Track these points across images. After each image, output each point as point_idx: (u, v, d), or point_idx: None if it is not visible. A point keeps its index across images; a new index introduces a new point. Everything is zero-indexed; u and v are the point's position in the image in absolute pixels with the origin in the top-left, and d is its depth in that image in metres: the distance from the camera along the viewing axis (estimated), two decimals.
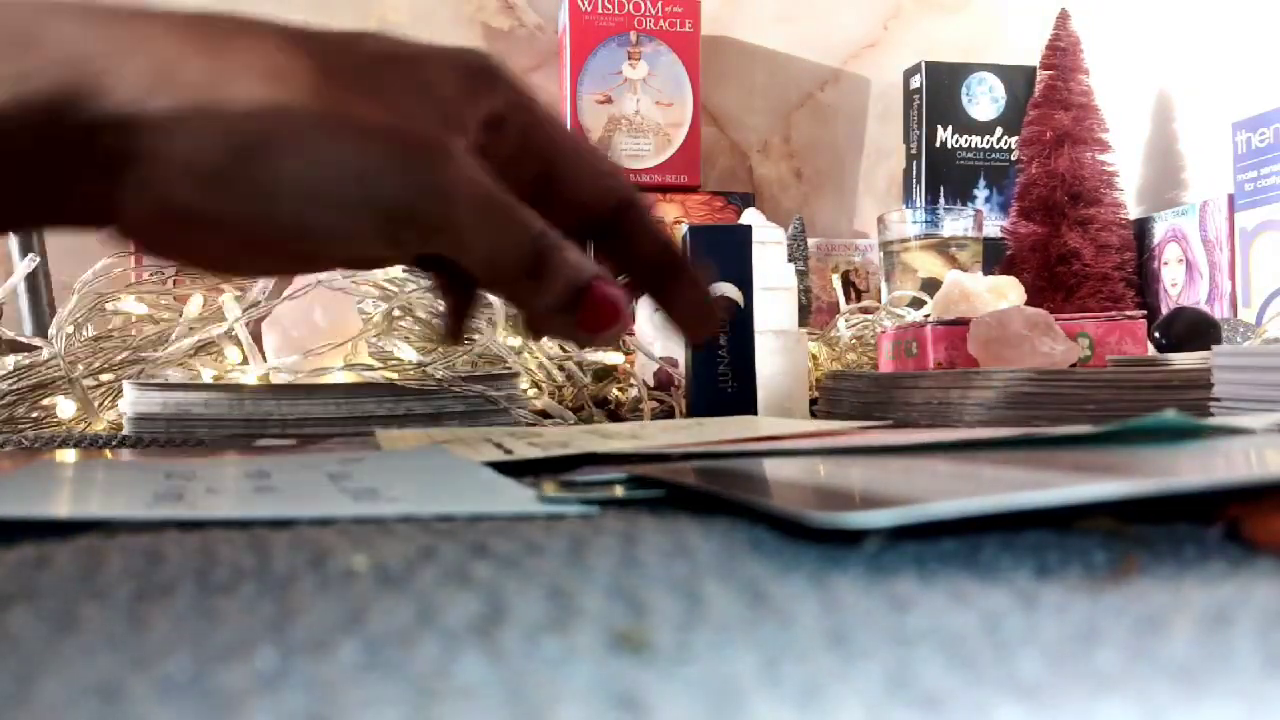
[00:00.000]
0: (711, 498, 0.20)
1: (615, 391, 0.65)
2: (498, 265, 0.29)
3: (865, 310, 0.89)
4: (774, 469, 0.23)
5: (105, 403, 0.57)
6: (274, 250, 0.28)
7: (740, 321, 0.53)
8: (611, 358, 0.65)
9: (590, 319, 0.30)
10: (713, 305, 0.36)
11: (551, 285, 0.29)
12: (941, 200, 1.18)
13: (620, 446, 0.32)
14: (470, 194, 0.28)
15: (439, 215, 0.27)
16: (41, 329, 0.90)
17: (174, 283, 0.66)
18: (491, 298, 0.63)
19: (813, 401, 0.69)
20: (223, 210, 0.26)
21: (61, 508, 0.22)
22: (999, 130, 1.21)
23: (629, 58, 1.17)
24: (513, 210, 0.28)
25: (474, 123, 0.29)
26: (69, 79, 0.25)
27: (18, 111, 0.24)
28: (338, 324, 0.56)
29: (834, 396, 0.66)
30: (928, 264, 0.97)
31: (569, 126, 0.32)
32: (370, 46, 0.30)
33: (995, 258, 1.14)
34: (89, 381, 0.56)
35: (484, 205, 0.28)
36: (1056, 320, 0.58)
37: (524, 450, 0.32)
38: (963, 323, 0.61)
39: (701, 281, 0.35)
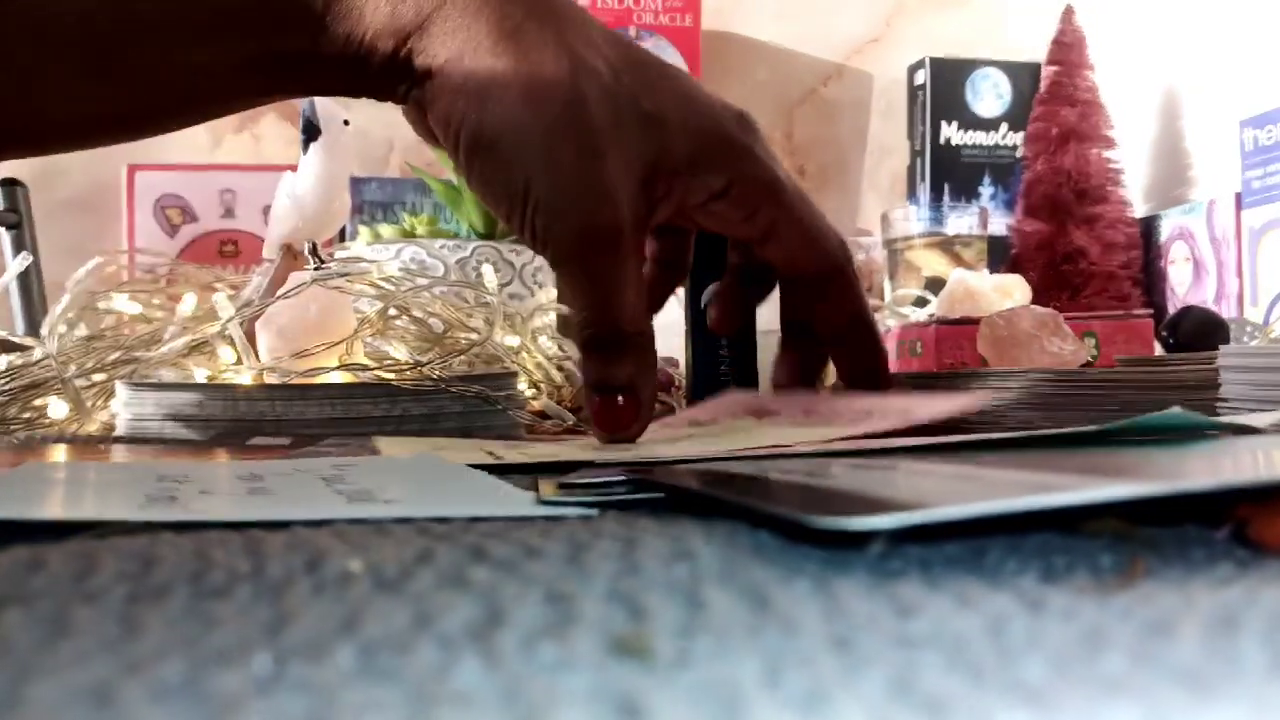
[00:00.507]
0: (712, 500, 0.20)
1: None
2: (580, 324, 0.34)
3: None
4: (776, 471, 0.23)
5: (98, 403, 0.57)
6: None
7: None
8: None
9: (602, 415, 0.34)
10: (883, 372, 0.40)
11: (601, 371, 0.34)
12: (946, 198, 1.18)
13: (620, 457, 0.32)
14: (593, 267, 0.33)
15: (567, 269, 0.34)
16: (33, 328, 0.90)
17: (167, 282, 0.66)
18: (490, 298, 0.63)
19: None
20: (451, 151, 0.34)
21: (53, 509, 0.21)
22: (1004, 127, 1.21)
23: None
24: (620, 296, 0.33)
25: (693, 197, 0.34)
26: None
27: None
28: (333, 323, 0.56)
29: None
30: (932, 262, 0.97)
31: (796, 195, 0.36)
32: (653, 78, 0.34)
33: (1000, 256, 1.14)
34: (81, 381, 0.56)
35: (598, 278, 0.33)
36: (1063, 319, 0.58)
37: (515, 457, 0.32)
38: (968, 322, 0.61)
39: (882, 355, 0.40)
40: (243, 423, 0.50)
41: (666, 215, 0.35)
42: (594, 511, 0.20)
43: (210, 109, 0.37)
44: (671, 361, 0.65)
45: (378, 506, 0.21)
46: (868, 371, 0.39)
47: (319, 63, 0.34)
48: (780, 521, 0.17)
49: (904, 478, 0.21)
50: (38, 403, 0.57)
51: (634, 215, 0.33)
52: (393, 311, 0.59)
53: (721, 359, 0.53)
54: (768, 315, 0.65)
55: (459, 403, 0.53)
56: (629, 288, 0.33)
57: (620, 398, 0.34)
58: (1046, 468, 0.21)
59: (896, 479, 0.20)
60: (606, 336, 0.34)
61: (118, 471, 0.33)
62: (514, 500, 0.22)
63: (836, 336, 0.39)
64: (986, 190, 1.21)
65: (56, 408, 0.56)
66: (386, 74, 0.34)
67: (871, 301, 0.97)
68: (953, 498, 0.16)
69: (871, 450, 0.29)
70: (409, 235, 0.83)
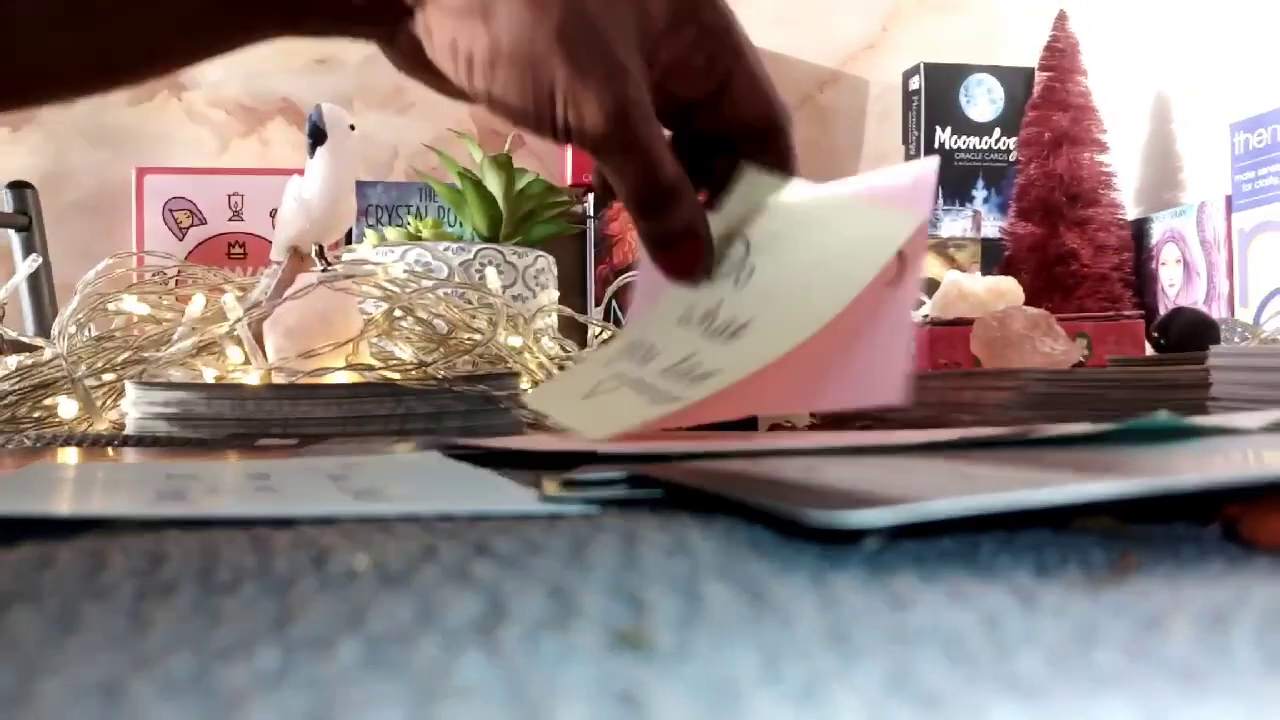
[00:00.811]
0: (710, 496, 0.20)
1: None
2: (630, 194, 0.36)
3: None
4: (773, 468, 0.23)
5: (107, 403, 0.57)
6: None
7: None
8: None
9: (675, 263, 0.37)
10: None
11: (662, 225, 0.37)
12: (940, 201, 1.19)
13: (619, 449, 0.32)
14: (628, 137, 0.35)
15: (606, 146, 0.35)
16: (44, 329, 0.90)
17: (175, 283, 0.66)
18: (493, 300, 0.63)
19: None
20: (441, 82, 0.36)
21: (63, 506, 0.22)
22: (997, 131, 1.21)
23: None
24: (657, 155, 0.35)
25: (668, 53, 0.36)
26: None
27: None
28: (339, 324, 0.56)
29: None
30: (926, 264, 0.97)
31: (747, 43, 0.38)
32: None
33: (994, 258, 1.14)
34: (91, 381, 0.56)
35: (635, 145, 0.35)
36: (1055, 320, 0.58)
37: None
38: (961, 323, 0.61)
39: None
40: (251, 422, 0.50)
41: (657, 75, 0.37)
42: (595, 508, 0.20)
43: (191, 51, 0.37)
44: None
45: (383, 503, 0.21)
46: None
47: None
48: (776, 517, 0.17)
49: (898, 474, 0.21)
50: (48, 402, 0.57)
51: (645, 80, 0.35)
52: (398, 313, 0.60)
53: None
54: None
55: (462, 402, 0.53)
56: (660, 142, 0.36)
57: (686, 243, 0.37)
58: (1039, 465, 0.21)
59: (891, 475, 0.21)
60: (657, 193, 0.36)
61: (127, 470, 0.33)
62: (516, 497, 0.22)
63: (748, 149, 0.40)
64: (980, 194, 1.21)
65: (66, 407, 0.56)
66: (370, 9, 0.35)
67: None
68: (947, 494, 0.16)
69: (865, 448, 0.29)
70: (414, 238, 0.83)
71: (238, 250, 1.11)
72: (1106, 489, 0.16)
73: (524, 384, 0.58)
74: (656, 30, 0.36)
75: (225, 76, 1.24)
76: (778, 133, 0.40)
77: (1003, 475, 0.19)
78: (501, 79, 0.35)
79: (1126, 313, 0.65)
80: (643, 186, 0.36)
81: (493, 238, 0.85)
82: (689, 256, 0.37)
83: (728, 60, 0.37)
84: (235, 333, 0.56)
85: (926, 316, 0.73)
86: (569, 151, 1.18)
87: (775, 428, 0.56)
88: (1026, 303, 0.69)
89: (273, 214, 0.86)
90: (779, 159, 0.40)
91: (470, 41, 0.34)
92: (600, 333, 0.74)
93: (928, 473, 0.21)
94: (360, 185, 1.07)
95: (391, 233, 0.86)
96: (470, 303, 0.63)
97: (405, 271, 0.66)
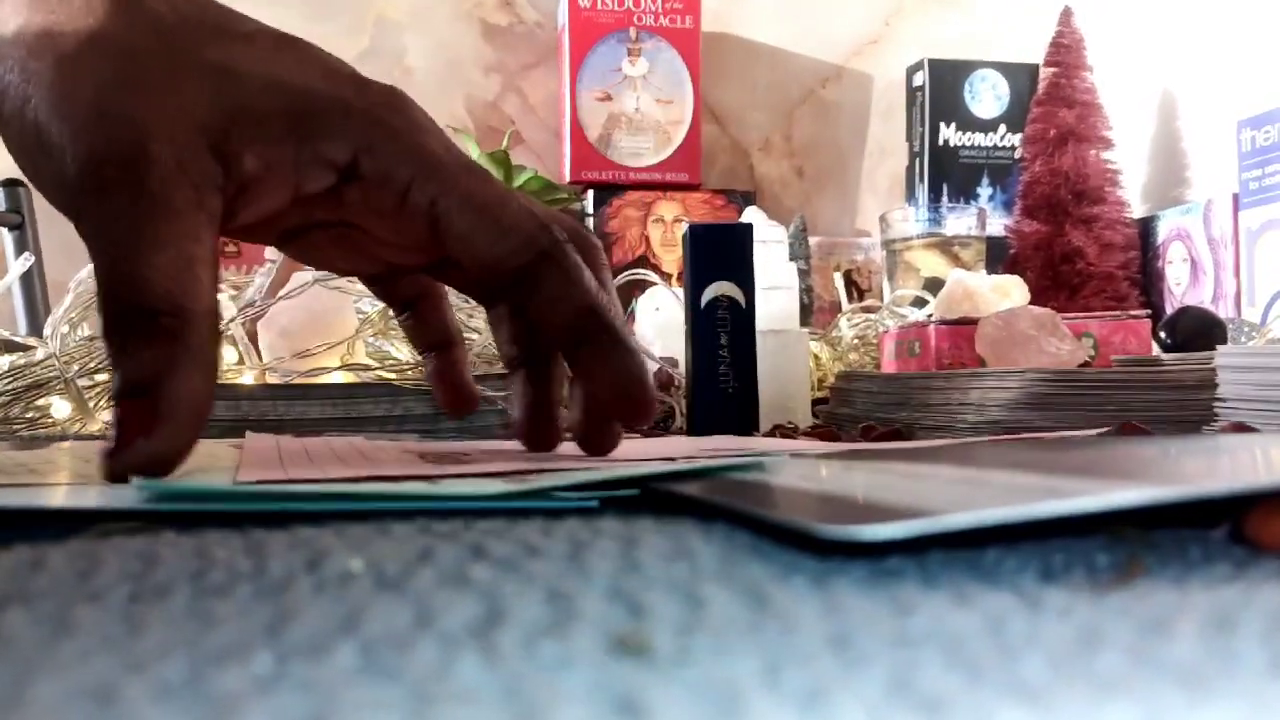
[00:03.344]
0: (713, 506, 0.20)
1: None
2: (100, 296, 0.25)
3: (867, 310, 0.89)
4: (777, 476, 0.23)
5: (101, 403, 0.57)
6: None
7: (741, 321, 0.53)
8: None
9: (121, 428, 0.24)
10: (641, 387, 0.29)
11: (113, 362, 0.24)
12: (944, 198, 1.18)
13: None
14: (128, 216, 0.24)
15: (96, 219, 0.25)
16: (36, 328, 0.90)
17: None
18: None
19: (818, 402, 0.69)
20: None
21: (57, 501, 0.21)
22: (1002, 128, 1.21)
23: (629, 54, 1.17)
24: (157, 259, 0.24)
25: (294, 172, 0.27)
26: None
27: None
28: (334, 323, 0.56)
29: (846, 397, 0.65)
30: (930, 263, 0.97)
31: (464, 169, 0.29)
32: (231, 31, 0.27)
33: (999, 257, 1.14)
34: (84, 381, 0.56)
35: (132, 225, 0.24)
36: (1061, 320, 0.58)
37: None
38: (966, 322, 0.61)
39: (633, 365, 0.29)
40: (245, 422, 0.50)
41: (280, 200, 0.27)
42: (594, 504, 0.20)
43: None
44: (671, 361, 0.65)
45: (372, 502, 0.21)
46: (617, 391, 0.28)
47: None
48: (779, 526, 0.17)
49: (904, 482, 0.21)
50: (40, 403, 0.56)
51: (186, 161, 0.25)
52: (393, 312, 0.59)
53: (721, 359, 0.53)
54: (769, 315, 0.65)
55: None
56: (167, 247, 0.24)
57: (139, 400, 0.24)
58: (1047, 471, 0.21)
59: (899, 483, 0.20)
60: (126, 310, 0.24)
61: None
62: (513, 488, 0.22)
63: (566, 347, 0.29)
64: (984, 191, 1.21)
65: (59, 408, 0.56)
66: None
67: (870, 302, 0.98)
68: (959, 504, 0.16)
69: (863, 452, 0.29)
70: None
71: (232, 248, 1.11)
72: (1127, 498, 0.16)
73: None
74: (256, 129, 0.26)
75: None
76: (539, 265, 0.29)
77: (1016, 482, 0.19)
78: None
79: (1133, 312, 0.64)
80: (111, 292, 0.24)
81: None
82: (132, 420, 0.24)
83: (428, 191, 0.28)
84: (229, 332, 0.56)
85: (931, 316, 0.73)
86: (567, 148, 1.18)
87: (778, 429, 0.56)
88: (1032, 301, 0.69)
89: None
90: (552, 300, 0.29)
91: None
92: None
93: (936, 480, 0.21)
94: None
95: None
96: (467, 301, 0.63)
97: None
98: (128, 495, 0.21)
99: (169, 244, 0.24)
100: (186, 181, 0.25)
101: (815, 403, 0.68)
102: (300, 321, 0.56)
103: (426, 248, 0.30)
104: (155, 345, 0.24)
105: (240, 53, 0.27)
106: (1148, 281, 1.12)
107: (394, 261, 0.33)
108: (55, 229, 1.16)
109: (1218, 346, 0.46)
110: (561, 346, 0.30)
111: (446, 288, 0.37)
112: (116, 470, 0.23)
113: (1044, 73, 1.16)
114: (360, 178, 0.28)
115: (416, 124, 0.28)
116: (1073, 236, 1.10)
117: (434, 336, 0.37)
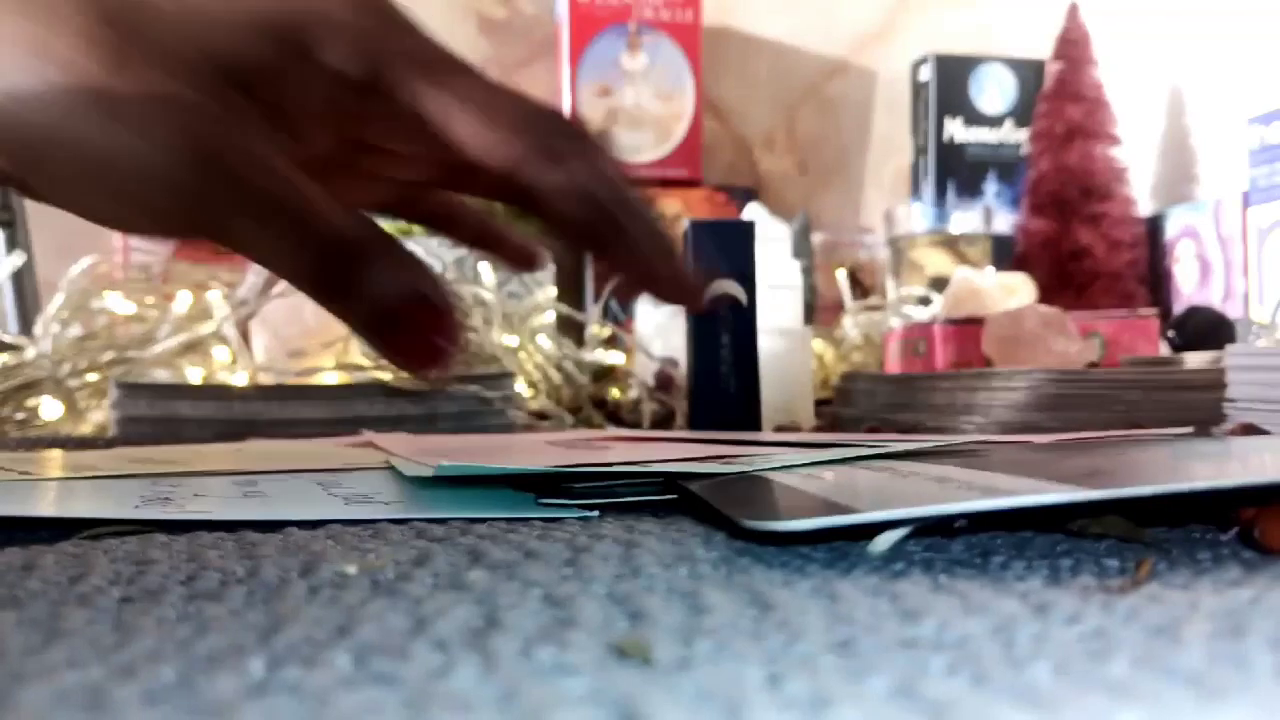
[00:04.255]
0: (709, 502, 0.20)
1: (614, 392, 0.65)
2: (288, 272, 0.23)
3: (872, 308, 0.89)
4: (777, 475, 0.23)
5: (91, 403, 0.57)
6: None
7: (743, 320, 0.53)
8: (611, 357, 0.65)
9: (397, 349, 0.23)
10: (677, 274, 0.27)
11: (354, 305, 0.23)
12: (950, 195, 1.18)
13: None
14: (248, 188, 0.23)
15: (212, 213, 0.23)
16: (26, 328, 0.89)
17: (161, 280, 0.65)
18: (487, 298, 0.63)
19: (821, 402, 0.68)
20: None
21: (48, 507, 0.21)
22: (1009, 124, 1.20)
23: (628, 49, 1.16)
24: (302, 205, 0.23)
25: (296, 86, 0.25)
26: None
27: None
28: (328, 322, 0.56)
29: (850, 397, 0.65)
30: (936, 260, 0.97)
31: (464, 67, 0.26)
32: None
33: (1005, 254, 1.13)
34: (74, 381, 0.56)
35: (264, 201, 0.23)
36: (1069, 318, 0.58)
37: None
38: (972, 321, 0.61)
39: (666, 244, 0.27)
40: (237, 423, 0.50)
41: (305, 102, 0.26)
42: (594, 513, 0.20)
43: None
44: (671, 361, 0.64)
45: (375, 508, 0.21)
46: (663, 268, 0.27)
47: None
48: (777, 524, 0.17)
49: (899, 482, 0.20)
50: (30, 403, 0.56)
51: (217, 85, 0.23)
52: None
53: (722, 358, 0.52)
54: (772, 313, 0.65)
55: (455, 403, 0.52)
56: (272, 189, 0.23)
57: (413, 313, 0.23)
58: (1051, 474, 0.20)
59: (894, 483, 0.20)
60: (327, 258, 0.23)
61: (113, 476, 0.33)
62: (512, 501, 0.22)
63: (584, 240, 0.27)
64: (991, 188, 1.20)
65: (50, 408, 0.56)
66: None
67: (874, 300, 0.97)
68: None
69: (873, 453, 0.28)
70: (406, 233, 0.83)
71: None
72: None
73: (519, 384, 0.58)
74: (241, 56, 0.24)
75: None
76: (565, 151, 0.26)
77: (1018, 485, 0.19)
78: None
79: (1141, 311, 0.64)
80: (301, 254, 0.23)
81: None
82: (420, 330, 0.22)
83: (437, 90, 0.26)
84: (222, 331, 0.56)
85: (936, 314, 0.73)
86: None
87: (781, 430, 0.56)
88: (1038, 299, 0.69)
89: None
90: (566, 181, 0.26)
91: None
92: (598, 330, 0.74)
93: (931, 480, 0.21)
94: None
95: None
96: (464, 300, 0.63)
97: None
98: (129, 500, 0.21)
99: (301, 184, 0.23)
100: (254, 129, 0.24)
101: (818, 403, 0.68)
102: (294, 321, 0.55)
103: (434, 152, 0.27)
104: (378, 264, 0.23)
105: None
106: (1156, 280, 1.12)
107: (407, 180, 0.31)
108: (46, 227, 1.16)
109: (1226, 346, 0.46)
110: (579, 239, 0.28)
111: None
112: (445, 375, 0.22)
113: (1051, 68, 1.16)
114: (368, 85, 0.26)
115: (400, 24, 0.27)
116: (1080, 234, 1.10)
117: (471, 233, 0.34)
